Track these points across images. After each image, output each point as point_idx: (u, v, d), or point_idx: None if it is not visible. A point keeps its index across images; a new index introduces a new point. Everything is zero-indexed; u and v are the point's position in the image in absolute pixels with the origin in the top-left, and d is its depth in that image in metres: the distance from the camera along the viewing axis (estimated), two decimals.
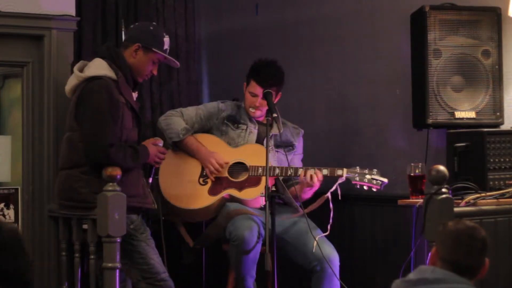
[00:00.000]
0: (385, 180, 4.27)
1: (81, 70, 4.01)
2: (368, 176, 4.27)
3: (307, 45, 5.33)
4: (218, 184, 4.40)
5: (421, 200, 3.65)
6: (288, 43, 5.42)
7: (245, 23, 5.71)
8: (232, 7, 5.84)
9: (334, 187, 4.23)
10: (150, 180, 4.24)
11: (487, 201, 3.79)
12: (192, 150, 4.44)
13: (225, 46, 5.79)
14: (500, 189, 3.93)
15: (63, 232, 4.17)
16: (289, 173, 4.30)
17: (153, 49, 4.06)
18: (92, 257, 3.91)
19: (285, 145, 4.49)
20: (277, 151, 4.48)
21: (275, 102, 4.42)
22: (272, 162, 4.40)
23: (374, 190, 4.28)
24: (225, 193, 4.38)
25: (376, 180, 4.26)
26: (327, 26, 5.21)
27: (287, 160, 4.34)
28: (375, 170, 4.29)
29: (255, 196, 4.36)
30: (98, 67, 3.96)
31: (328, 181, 4.30)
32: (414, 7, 4.35)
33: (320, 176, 4.25)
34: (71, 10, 4.42)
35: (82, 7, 5.09)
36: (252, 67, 4.52)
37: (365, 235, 4.91)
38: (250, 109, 4.47)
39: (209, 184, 4.41)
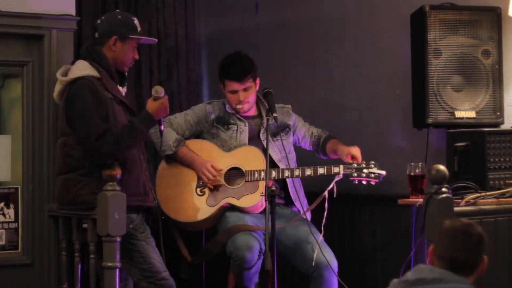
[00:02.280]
0: (383, 172, 4.22)
1: (65, 74, 4.02)
2: (365, 170, 4.22)
3: (307, 45, 5.33)
4: (216, 193, 4.36)
5: (421, 200, 3.65)
6: (288, 43, 5.42)
7: (245, 23, 5.71)
8: (232, 7, 5.84)
9: (331, 185, 4.20)
10: (162, 127, 4.14)
11: (487, 201, 3.80)
12: (187, 161, 4.40)
13: (225, 46, 5.77)
14: (500, 188, 3.93)
15: (63, 232, 4.16)
16: (286, 174, 4.28)
17: (130, 36, 4.05)
18: (92, 256, 3.91)
19: (282, 129, 4.48)
20: (276, 140, 4.44)
21: (257, 89, 4.45)
22: (273, 153, 4.38)
23: (373, 183, 4.24)
24: (223, 202, 4.35)
25: (374, 173, 4.23)
26: (327, 26, 5.21)
27: (283, 146, 4.35)
28: (373, 162, 4.24)
29: (254, 203, 4.33)
30: (80, 69, 3.96)
31: (325, 180, 4.28)
32: (414, 7, 4.35)
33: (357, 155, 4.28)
34: (71, 10, 4.41)
35: (82, 7, 5.10)
36: (220, 67, 4.51)
37: (365, 234, 4.90)
38: (238, 107, 4.44)
39: (207, 194, 4.37)
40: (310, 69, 5.31)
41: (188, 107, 5.19)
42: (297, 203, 4.43)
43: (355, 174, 4.23)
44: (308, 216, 4.40)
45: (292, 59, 5.28)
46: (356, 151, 4.29)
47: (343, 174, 4.23)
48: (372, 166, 4.24)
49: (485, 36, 4.30)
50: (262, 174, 4.26)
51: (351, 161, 4.27)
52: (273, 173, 4.27)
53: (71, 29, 4.41)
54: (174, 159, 4.43)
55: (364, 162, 4.24)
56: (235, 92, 4.43)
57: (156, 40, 4.37)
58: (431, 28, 4.25)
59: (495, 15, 4.30)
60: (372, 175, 4.22)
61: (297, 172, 4.28)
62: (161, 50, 5.57)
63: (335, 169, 4.23)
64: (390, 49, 4.81)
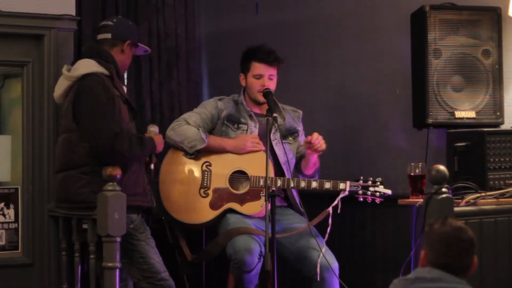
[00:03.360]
0: (389, 191, 4.22)
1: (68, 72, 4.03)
2: (371, 189, 4.22)
3: (307, 45, 5.33)
4: (219, 196, 4.33)
5: (421, 200, 3.65)
6: (288, 43, 5.42)
7: (245, 22, 5.71)
8: (232, 7, 5.84)
9: (336, 202, 4.18)
10: (152, 166, 4.18)
11: (487, 201, 3.80)
12: (217, 148, 4.36)
13: (225, 45, 5.79)
14: (500, 188, 3.93)
15: (63, 232, 4.16)
16: (291, 185, 4.26)
17: (139, 44, 4.14)
18: (92, 256, 3.91)
19: (291, 133, 4.46)
20: (284, 143, 4.41)
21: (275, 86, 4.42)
22: (280, 155, 4.36)
23: (378, 202, 4.24)
24: (226, 206, 4.33)
25: (380, 192, 4.22)
26: (327, 26, 5.21)
27: (283, 151, 4.33)
28: (379, 180, 4.24)
29: (257, 211, 4.31)
30: (88, 66, 3.96)
31: (330, 195, 4.25)
32: (414, 7, 4.35)
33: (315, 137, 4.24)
34: (71, 10, 4.41)
35: (82, 7, 5.10)
36: (246, 53, 4.46)
37: (365, 234, 4.90)
38: (258, 95, 4.37)
39: (210, 196, 4.34)
40: (310, 69, 5.31)
41: (188, 107, 5.19)
42: (298, 201, 4.42)
43: (361, 192, 4.23)
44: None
45: (292, 59, 5.28)
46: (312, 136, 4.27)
47: (349, 191, 4.22)
48: (378, 184, 4.23)
49: (485, 36, 4.30)
50: (268, 181, 4.19)
51: (310, 146, 4.26)
52: (279, 182, 4.25)
53: (71, 29, 4.41)
54: (202, 150, 4.36)
55: (371, 179, 4.23)
56: (260, 77, 4.38)
57: (149, 50, 4.38)
58: (431, 28, 4.25)
59: (495, 15, 4.30)
60: (378, 194, 4.22)
61: (302, 184, 4.25)
62: (161, 50, 5.57)
63: (341, 185, 4.23)
64: (390, 49, 4.82)
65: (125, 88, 4.15)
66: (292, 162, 4.46)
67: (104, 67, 3.96)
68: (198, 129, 4.35)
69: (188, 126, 4.36)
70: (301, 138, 4.56)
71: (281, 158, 4.40)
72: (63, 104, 4.04)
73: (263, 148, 4.31)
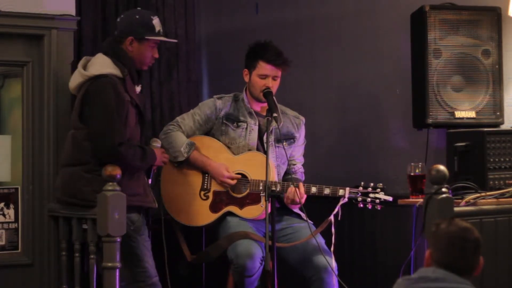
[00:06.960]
0: (389, 198, 4.16)
1: (84, 66, 4.01)
2: (371, 195, 4.17)
3: (307, 45, 5.33)
4: (219, 199, 4.32)
5: (421, 200, 3.65)
6: (288, 43, 5.41)
7: (245, 22, 5.71)
8: (232, 7, 5.84)
9: (336, 210, 4.15)
10: (150, 181, 4.20)
11: (487, 201, 3.80)
12: (199, 166, 4.34)
13: (225, 46, 5.79)
14: (500, 188, 3.94)
15: (63, 232, 4.16)
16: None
17: (146, 37, 4.05)
18: (92, 256, 3.91)
19: (286, 138, 4.41)
20: (277, 146, 4.36)
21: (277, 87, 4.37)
22: (272, 158, 4.32)
23: (378, 208, 4.19)
24: (226, 210, 4.31)
25: (380, 199, 4.17)
26: (327, 26, 5.21)
27: (287, 154, 4.30)
28: (379, 186, 4.19)
29: (256, 215, 4.29)
30: (103, 65, 3.95)
31: (330, 202, 4.23)
32: (414, 7, 4.35)
33: (301, 191, 4.17)
34: (71, 10, 4.40)
35: (82, 7, 5.09)
36: (254, 49, 4.41)
37: (365, 234, 4.90)
38: (260, 94, 4.32)
39: (210, 199, 4.33)
40: (310, 69, 5.31)
41: (188, 107, 5.19)
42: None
43: (360, 199, 4.18)
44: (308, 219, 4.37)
45: (292, 59, 5.28)
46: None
47: (348, 197, 4.18)
48: (379, 190, 4.18)
49: (485, 36, 4.31)
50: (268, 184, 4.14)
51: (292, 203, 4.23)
52: (279, 186, 4.24)
53: (71, 29, 4.40)
54: (186, 163, 4.36)
55: (371, 185, 4.19)
56: (265, 77, 4.33)
57: (175, 40, 4.31)
58: (431, 28, 4.26)
59: (495, 15, 4.31)
60: (377, 201, 4.18)
61: (302, 189, 4.22)
62: (161, 50, 5.56)
63: (340, 192, 4.19)
64: (390, 49, 4.82)
65: (138, 88, 4.10)
66: (283, 167, 4.41)
67: (119, 68, 3.95)
68: (186, 139, 4.34)
69: (178, 134, 4.35)
70: (301, 147, 4.51)
71: (272, 162, 4.32)
72: (76, 97, 4.04)
73: (233, 183, 4.29)
